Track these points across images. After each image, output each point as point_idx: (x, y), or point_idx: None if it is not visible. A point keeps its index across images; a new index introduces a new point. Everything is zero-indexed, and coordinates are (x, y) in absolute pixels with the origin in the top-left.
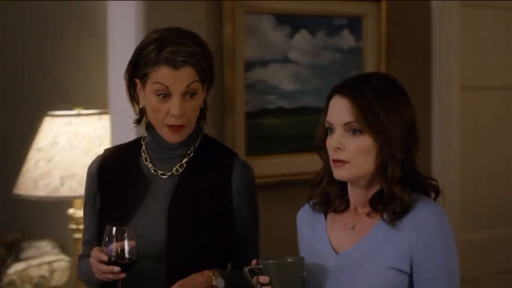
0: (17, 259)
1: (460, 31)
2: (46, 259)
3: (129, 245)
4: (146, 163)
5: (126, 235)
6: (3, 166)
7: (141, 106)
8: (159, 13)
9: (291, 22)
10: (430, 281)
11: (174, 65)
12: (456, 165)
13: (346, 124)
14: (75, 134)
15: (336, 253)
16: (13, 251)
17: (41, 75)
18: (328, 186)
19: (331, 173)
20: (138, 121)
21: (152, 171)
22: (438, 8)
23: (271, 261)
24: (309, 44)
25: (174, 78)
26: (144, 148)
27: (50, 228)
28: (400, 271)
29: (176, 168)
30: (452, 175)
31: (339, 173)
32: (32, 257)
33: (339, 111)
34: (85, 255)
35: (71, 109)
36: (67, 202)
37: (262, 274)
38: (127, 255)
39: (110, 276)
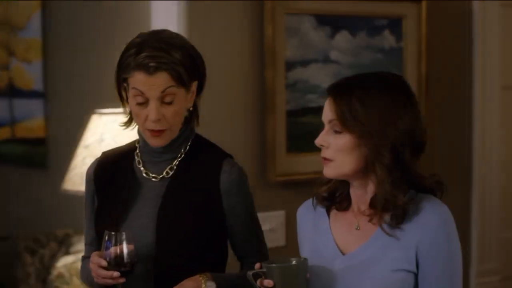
0: (67, 253)
1: (500, 30)
2: None
3: (127, 249)
4: (139, 166)
5: (124, 239)
6: (54, 162)
7: (128, 109)
8: (200, 13)
9: (331, 22)
10: (434, 279)
11: (147, 70)
12: (497, 164)
13: (330, 122)
14: (120, 131)
15: (343, 254)
16: (64, 246)
17: (90, 74)
18: (338, 182)
19: None
20: (127, 123)
21: (144, 174)
22: (478, 8)
23: (274, 265)
24: (350, 44)
25: (149, 83)
26: (137, 151)
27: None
28: (408, 271)
29: (167, 171)
30: (494, 173)
31: (325, 171)
32: (81, 251)
33: (326, 109)
34: (87, 257)
35: (117, 107)
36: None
37: (266, 278)
38: (126, 260)
39: (110, 281)
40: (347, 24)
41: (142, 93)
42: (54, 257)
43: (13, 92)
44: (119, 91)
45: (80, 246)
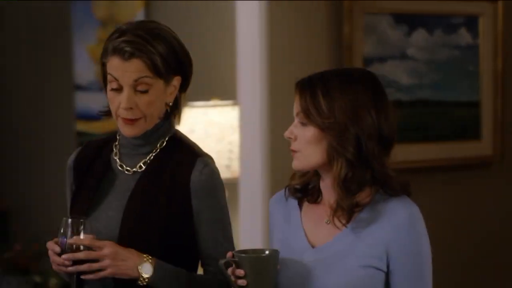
0: None
1: None
2: None
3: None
4: (115, 158)
5: (81, 228)
6: None
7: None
8: (280, 12)
9: (408, 21)
10: (403, 279)
11: (122, 55)
12: None
13: (297, 115)
14: (210, 123)
15: (312, 247)
16: None
17: None
18: (312, 175)
19: None
20: (105, 113)
21: (119, 166)
22: None
23: (244, 255)
24: (427, 42)
25: (123, 69)
26: (116, 143)
27: None
28: (377, 268)
29: (140, 165)
30: None
31: (293, 163)
32: None
33: (295, 103)
34: None
35: (208, 100)
36: None
37: (237, 267)
38: (81, 249)
39: (63, 269)
40: (424, 22)
41: (115, 79)
42: None
43: None
44: (103, 78)
45: None
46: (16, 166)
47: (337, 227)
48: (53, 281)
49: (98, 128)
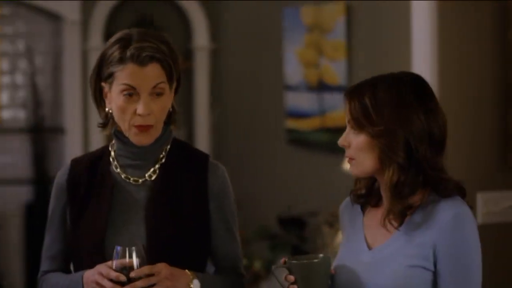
0: None
1: None
2: None
3: (140, 264)
4: (117, 171)
5: (135, 254)
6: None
7: (107, 109)
8: (449, 12)
9: None
10: (450, 279)
11: (140, 61)
12: None
13: (348, 122)
14: None
15: (369, 249)
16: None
17: (370, 67)
18: (373, 179)
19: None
20: (103, 125)
21: (124, 178)
22: None
23: (294, 262)
24: None
25: (141, 76)
26: (113, 156)
27: None
28: (425, 268)
29: (149, 174)
30: None
31: (350, 169)
32: None
33: (346, 111)
34: (50, 271)
35: None
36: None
37: (289, 273)
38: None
39: None
40: None
41: (132, 87)
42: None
43: (322, 87)
44: (95, 94)
45: None
46: (231, 162)
47: (389, 230)
48: (256, 264)
49: (306, 125)
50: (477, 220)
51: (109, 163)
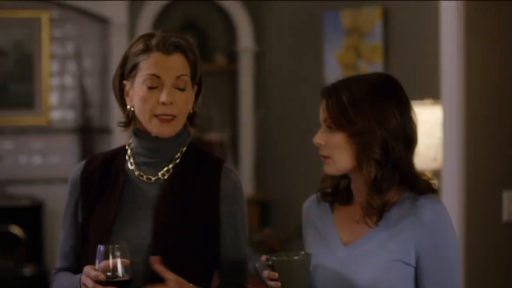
0: None
1: None
2: None
3: (123, 263)
4: (132, 168)
5: (119, 253)
6: None
7: (129, 107)
8: (476, 13)
9: None
10: (431, 274)
11: (166, 49)
12: None
13: (324, 121)
14: (420, 121)
15: (344, 245)
16: None
17: (414, 73)
18: (341, 178)
19: None
20: (124, 124)
21: (138, 176)
22: None
23: (277, 258)
24: None
25: (166, 64)
26: (129, 154)
27: None
28: (406, 263)
29: (163, 173)
30: None
31: (324, 168)
32: None
33: (321, 109)
34: (62, 269)
35: (422, 99)
36: None
37: (272, 270)
38: (123, 274)
39: None
40: None
41: (156, 76)
42: None
43: None
44: (117, 93)
45: None
46: (275, 162)
47: (368, 226)
48: None
49: None
50: (503, 218)
51: (124, 161)
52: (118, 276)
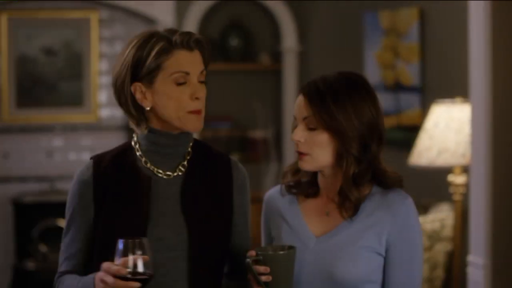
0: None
1: None
2: (438, 216)
3: (143, 259)
4: (147, 166)
5: (141, 248)
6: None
7: (147, 108)
8: (502, 13)
9: None
10: (398, 264)
11: (189, 46)
12: None
13: (304, 119)
14: (451, 118)
15: (316, 237)
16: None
17: (441, 68)
18: (304, 172)
19: None
20: (138, 124)
21: (156, 173)
22: None
23: (267, 253)
24: None
25: (192, 60)
26: (140, 153)
27: (433, 191)
28: (378, 253)
29: (179, 169)
30: None
31: (301, 164)
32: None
33: (299, 107)
34: (66, 272)
35: (453, 97)
36: (444, 170)
37: (263, 264)
38: (144, 270)
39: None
40: None
41: (186, 73)
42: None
43: (398, 87)
44: (125, 90)
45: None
46: None
47: (342, 217)
48: None
49: (385, 123)
50: None
51: (135, 159)
52: (139, 273)
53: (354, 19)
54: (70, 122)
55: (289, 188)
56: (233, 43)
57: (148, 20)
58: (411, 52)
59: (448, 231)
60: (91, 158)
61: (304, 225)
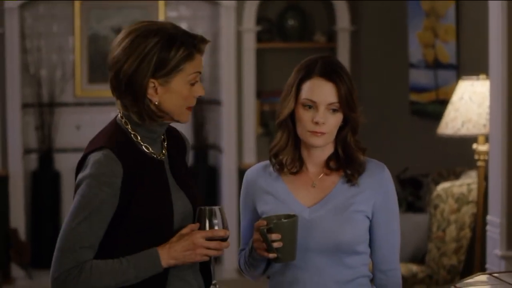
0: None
1: None
2: (466, 181)
3: (219, 224)
4: (148, 151)
5: (221, 214)
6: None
7: (156, 102)
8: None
9: None
10: (385, 224)
11: (201, 52)
12: None
13: (330, 104)
14: (474, 92)
15: (308, 207)
16: (457, 177)
17: (475, 47)
18: (293, 151)
19: (293, 140)
20: (150, 118)
21: (152, 155)
22: None
23: (284, 220)
24: None
25: (201, 62)
26: (138, 140)
27: (467, 159)
28: (367, 217)
29: (164, 150)
30: None
31: (317, 141)
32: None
33: (324, 92)
34: (87, 261)
35: (477, 74)
36: (467, 139)
37: (274, 232)
38: (223, 233)
39: (213, 252)
40: None
41: (200, 73)
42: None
43: (436, 64)
44: (142, 85)
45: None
46: (362, 128)
47: (327, 187)
48: None
49: (425, 98)
50: None
51: (137, 146)
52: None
53: (399, 3)
54: None
55: (273, 165)
56: (290, 24)
57: (212, 2)
58: (448, 33)
59: (474, 195)
60: (104, 147)
61: (293, 198)
